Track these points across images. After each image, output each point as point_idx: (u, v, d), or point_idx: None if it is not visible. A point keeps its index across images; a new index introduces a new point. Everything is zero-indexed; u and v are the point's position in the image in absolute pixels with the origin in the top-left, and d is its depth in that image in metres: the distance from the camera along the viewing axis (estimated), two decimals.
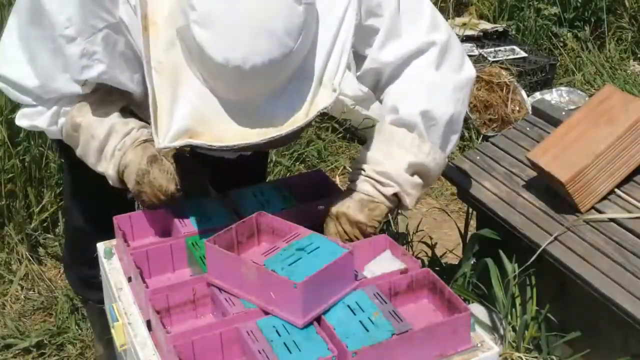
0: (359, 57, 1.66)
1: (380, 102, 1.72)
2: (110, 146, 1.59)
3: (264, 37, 1.30)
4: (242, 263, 1.35)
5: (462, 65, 1.69)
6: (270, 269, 1.31)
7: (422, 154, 1.59)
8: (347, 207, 1.57)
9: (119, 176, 1.60)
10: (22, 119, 1.69)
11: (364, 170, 1.60)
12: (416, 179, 1.60)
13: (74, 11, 1.47)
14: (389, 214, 1.64)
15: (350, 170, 1.68)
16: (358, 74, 1.65)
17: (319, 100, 1.39)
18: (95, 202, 1.90)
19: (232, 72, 1.31)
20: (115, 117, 1.61)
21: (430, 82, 1.63)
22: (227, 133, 1.37)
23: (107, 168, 1.61)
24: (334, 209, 1.58)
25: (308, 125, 1.42)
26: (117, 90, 1.61)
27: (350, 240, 1.56)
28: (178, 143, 1.36)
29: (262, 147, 1.42)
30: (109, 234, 1.68)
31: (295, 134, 1.42)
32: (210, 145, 1.37)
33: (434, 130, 1.61)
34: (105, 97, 1.62)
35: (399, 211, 2.81)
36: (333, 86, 1.40)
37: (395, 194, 1.59)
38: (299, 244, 1.38)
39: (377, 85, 1.70)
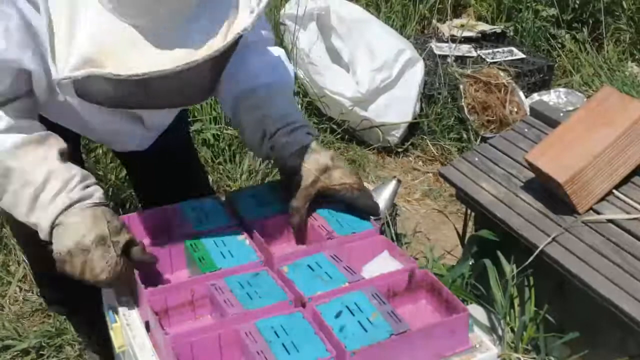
0: None
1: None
2: (49, 193, 1.40)
3: None
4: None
5: None
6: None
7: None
8: (322, 158, 1.54)
9: (50, 229, 1.41)
10: None
11: (295, 122, 1.57)
12: None
13: None
14: None
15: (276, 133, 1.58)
16: None
17: (237, 23, 1.28)
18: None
19: None
20: (54, 161, 1.44)
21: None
22: (136, 61, 1.21)
23: (40, 218, 1.41)
24: (313, 167, 1.52)
25: (228, 52, 1.31)
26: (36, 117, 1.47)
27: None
28: (80, 73, 1.21)
29: (180, 81, 1.29)
30: None
31: (215, 66, 1.32)
32: (117, 75, 1.20)
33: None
34: (40, 138, 1.45)
35: (397, 212, 2.81)
36: (251, 7, 1.29)
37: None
38: None
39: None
